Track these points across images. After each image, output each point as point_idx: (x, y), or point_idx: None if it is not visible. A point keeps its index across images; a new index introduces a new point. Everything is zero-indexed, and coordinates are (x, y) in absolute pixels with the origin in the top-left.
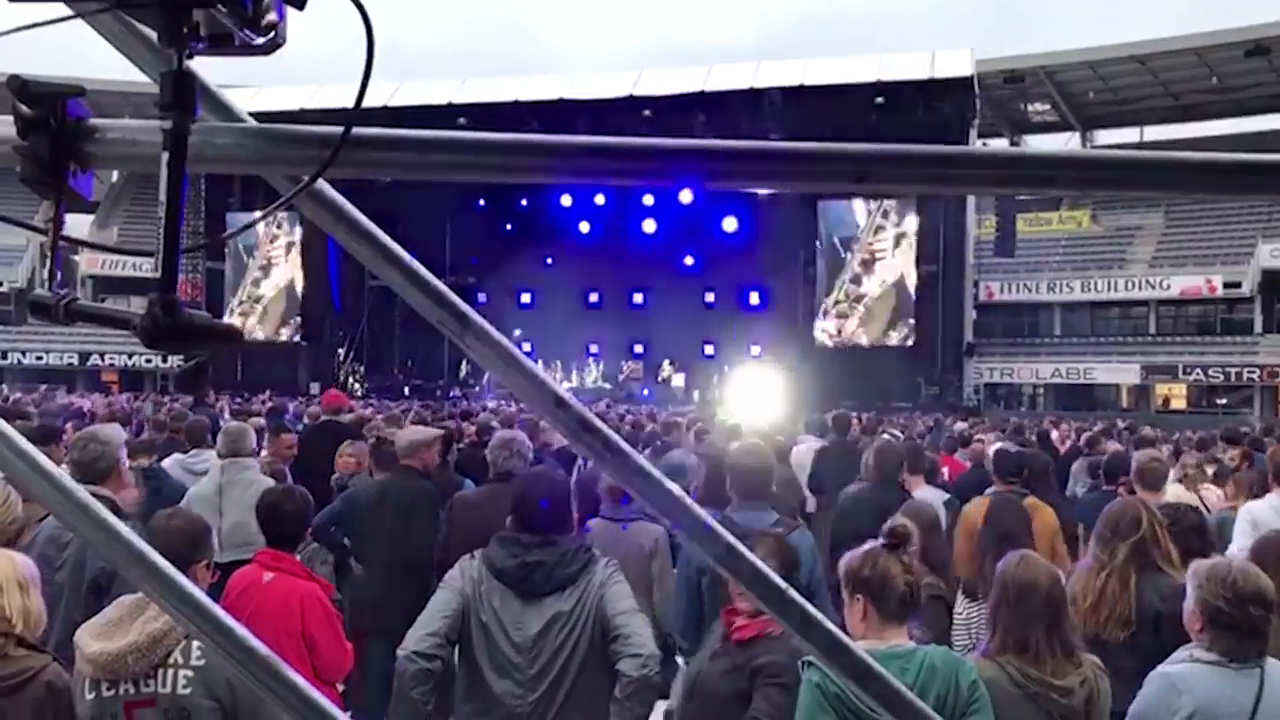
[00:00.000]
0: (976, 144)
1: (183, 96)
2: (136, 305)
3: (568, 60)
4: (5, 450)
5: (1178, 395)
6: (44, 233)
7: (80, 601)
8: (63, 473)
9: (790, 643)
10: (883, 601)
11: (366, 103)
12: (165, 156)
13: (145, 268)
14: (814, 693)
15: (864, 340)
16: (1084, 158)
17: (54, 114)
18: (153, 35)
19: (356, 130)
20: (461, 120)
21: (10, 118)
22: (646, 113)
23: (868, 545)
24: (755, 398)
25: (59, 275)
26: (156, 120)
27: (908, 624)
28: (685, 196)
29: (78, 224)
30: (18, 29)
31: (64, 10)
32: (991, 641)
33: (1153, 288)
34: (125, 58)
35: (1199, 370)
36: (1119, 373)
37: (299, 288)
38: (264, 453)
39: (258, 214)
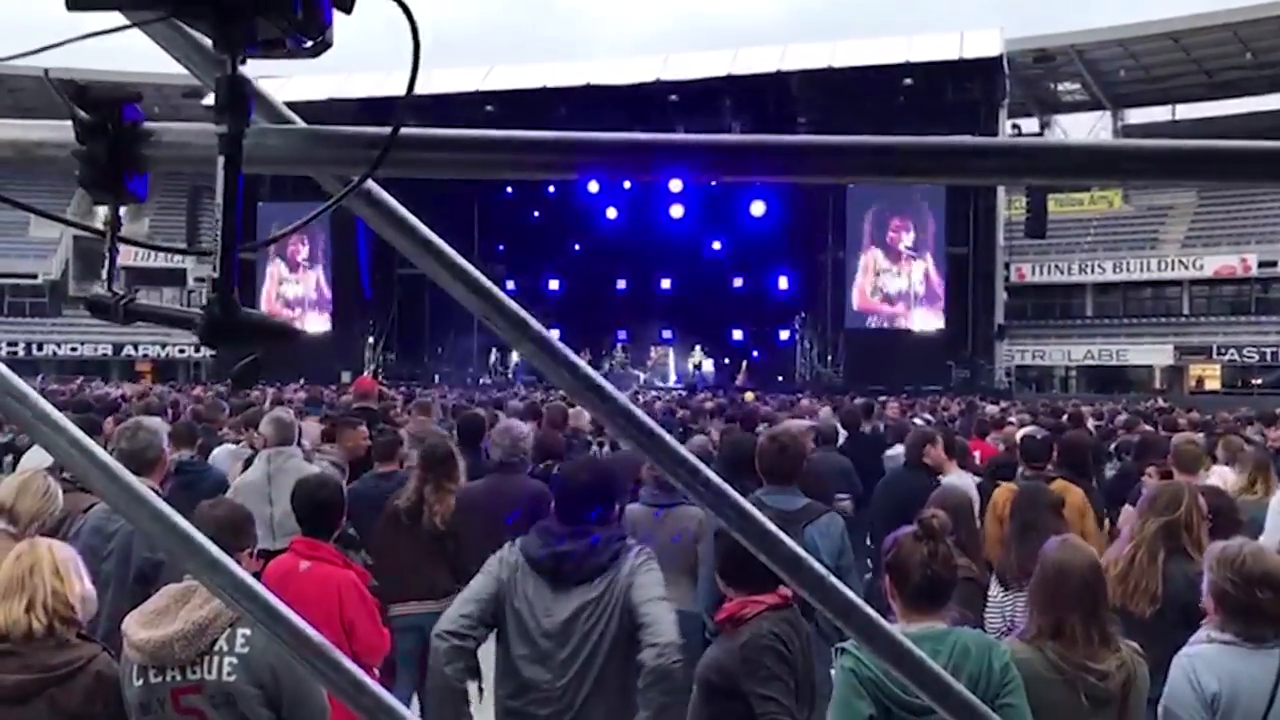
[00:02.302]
0: (1006, 124)
1: (237, 102)
2: (169, 296)
3: (596, 40)
4: (63, 442)
5: (1212, 376)
6: (102, 234)
7: (126, 591)
8: (118, 464)
9: (769, 619)
10: (903, 587)
11: (391, 91)
12: (221, 160)
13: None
14: (849, 678)
15: (894, 324)
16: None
17: (111, 119)
18: (207, 42)
19: (404, 130)
20: (489, 108)
21: (66, 121)
22: (673, 97)
23: (901, 531)
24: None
25: (118, 274)
26: (210, 124)
27: (941, 610)
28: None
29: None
30: (77, 38)
31: (120, 19)
32: (1030, 624)
33: (1186, 268)
34: (180, 63)
35: (1233, 350)
36: (1152, 354)
37: (327, 277)
38: (330, 445)
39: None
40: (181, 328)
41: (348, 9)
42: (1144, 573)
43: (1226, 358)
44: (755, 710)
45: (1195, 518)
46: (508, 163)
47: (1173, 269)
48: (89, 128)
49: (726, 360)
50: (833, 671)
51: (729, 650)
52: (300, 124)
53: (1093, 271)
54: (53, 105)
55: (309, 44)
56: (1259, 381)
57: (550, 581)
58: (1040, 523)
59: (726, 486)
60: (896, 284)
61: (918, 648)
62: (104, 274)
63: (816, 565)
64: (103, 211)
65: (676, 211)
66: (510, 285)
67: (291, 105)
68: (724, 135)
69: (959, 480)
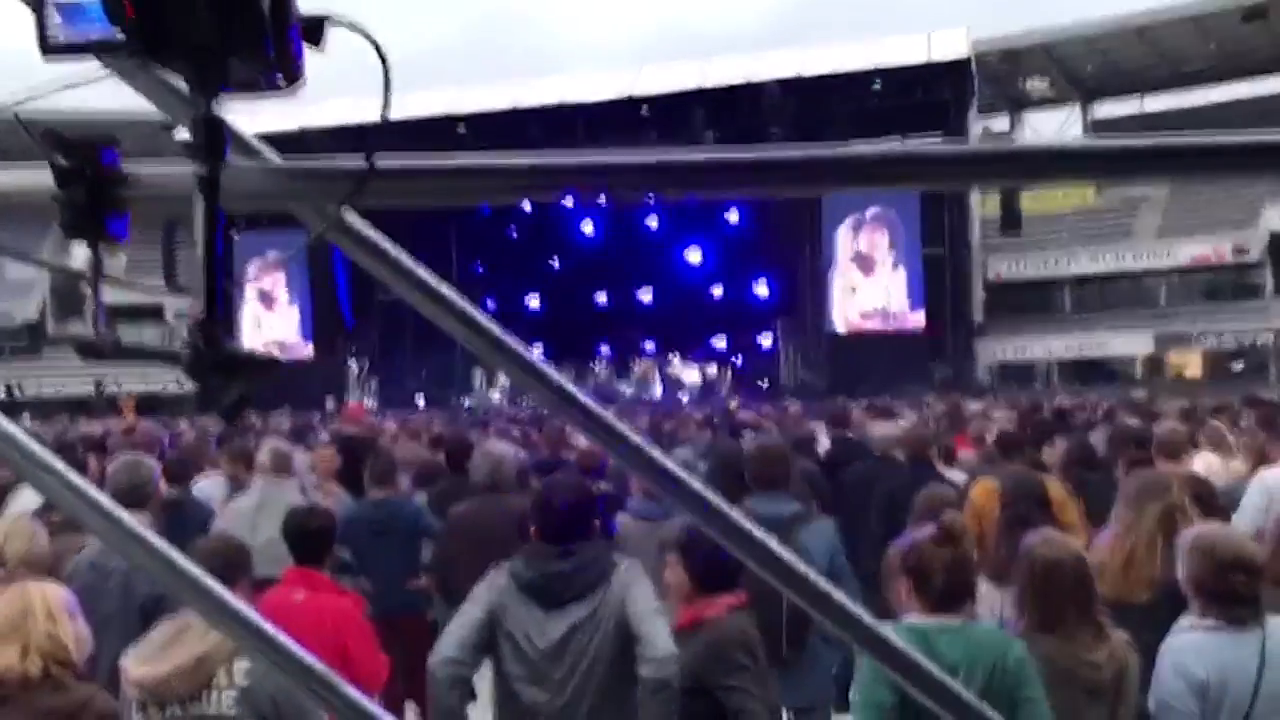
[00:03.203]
0: (977, 124)
1: (213, 142)
2: (149, 333)
3: (568, 52)
4: (54, 483)
5: (1192, 364)
6: (86, 277)
7: (130, 628)
8: (112, 503)
9: (731, 618)
10: (925, 590)
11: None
12: (200, 200)
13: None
14: (872, 664)
15: (874, 325)
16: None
17: (89, 163)
18: (182, 84)
19: (380, 162)
20: (460, 129)
21: (44, 166)
22: (645, 111)
23: (918, 534)
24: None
25: (103, 316)
26: (188, 164)
27: (960, 610)
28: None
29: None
30: (56, 89)
31: (98, 67)
32: (1020, 620)
33: (1161, 257)
34: (156, 106)
35: (1212, 337)
36: (1132, 344)
37: (302, 303)
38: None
39: (268, 238)
40: (168, 363)
41: (319, 45)
42: (1143, 563)
43: (1206, 345)
44: (725, 703)
45: (1185, 500)
46: (488, 189)
47: (1148, 259)
48: (67, 173)
49: (713, 369)
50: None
51: (693, 651)
52: (276, 160)
53: (1069, 265)
54: (25, 144)
55: (282, 81)
56: (1239, 367)
57: (541, 602)
58: (1029, 516)
59: (713, 496)
60: (875, 299)
61: (933, 641)
62: (89, 316)
63: (810, 571)
64: (80, 250)
65: (653, 223)
66: (490, 304)
67: (263, 137)
68: (683, 152)
69: (952, 476)
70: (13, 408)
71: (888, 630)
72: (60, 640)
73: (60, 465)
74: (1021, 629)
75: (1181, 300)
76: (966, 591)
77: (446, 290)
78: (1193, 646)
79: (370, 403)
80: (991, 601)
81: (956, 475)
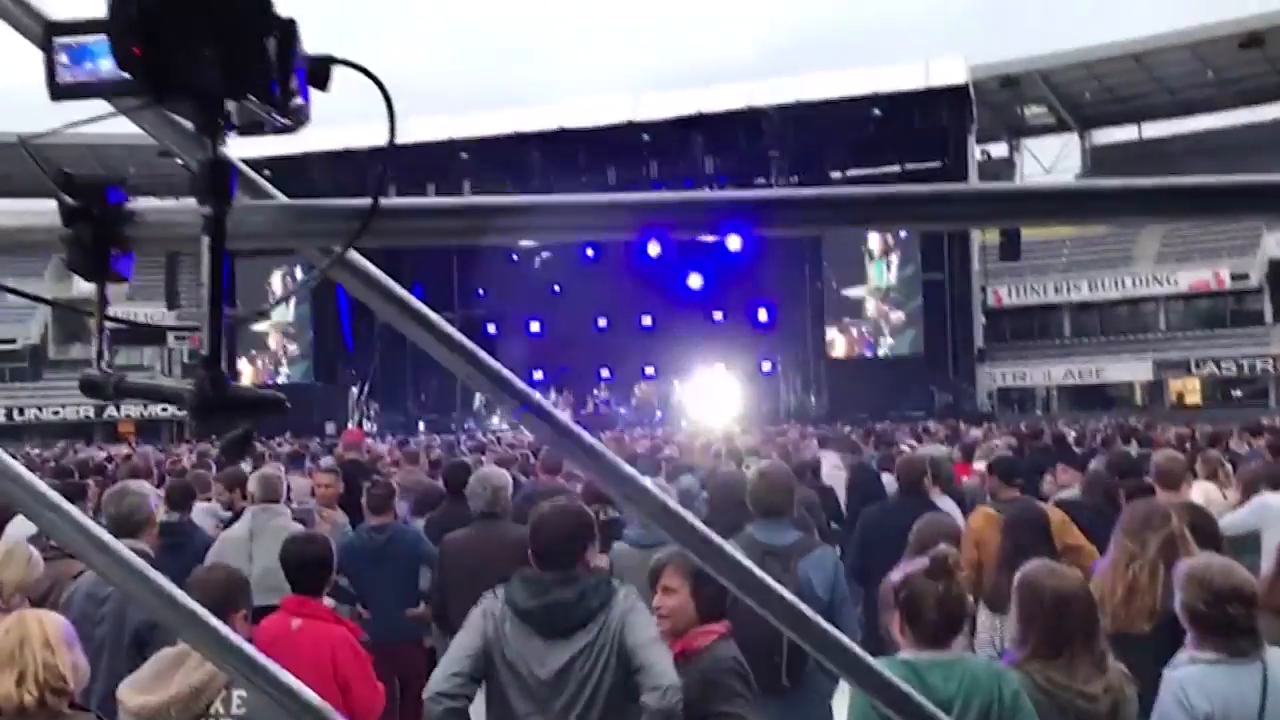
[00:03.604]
0: (975, 150)
1: (219, 183)
2: (149, 355)
3: (565, 86)
4: (43, 509)
5: (1192, 390)
6: (91, 314)
7: (122, 656)
8: (107, 534)
9: (723, 646)
10: (917, 623)
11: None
12: (206, 241)
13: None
14: (865, 703)
15: (875, 350)
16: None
17: (96, 202)
18: (189, 125)
19: (384, 201)
20: (463, 155)
21: (51, 205)
22: (645, 137)
23: (911, 566)
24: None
25: (105, 352)
26: (192, 203)
27: (952, 643)
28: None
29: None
30: (64, 127)
31: (106, 108)
32: (1021, 650)
33: (1160, 283)
34: (162, 145)
35: (1211, 364)
36: (1132, 370)
37: (303, 328)
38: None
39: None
40: (172, 403)
41: (323, 87)
42: (1145, 592)
43: (1205, 371)
44: None
45: (1185, 530)
46: (491, 228)
47: (1147, 285)
48: (74, 212)
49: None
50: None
51: (688, 680)
52: (281, 199)
53: (1069, 292)
54: (28, 174)
55: (287, 122)
56: (1239, 394)
57: (541, 631)
58: (1031, 546)
59: (707, 530)
60: (875, 311)
61: (926, 676)
62: (94, 353)
63: (804, 607)
64: (79, 281)
65: (654, 249)
66: (491, 330)
67: (264, 162)
68: (689, 193)
69: (945, 505)
70: (13, 431)
71: (880, 664)
72: (57, 669)
73: (58, 499)
74: (1021, 658)
75: (1181, 326)
76: (958, 625)
77: (449, 329)
78: (1194, 679)
79: (370, 427)
80: (991, 630)
81: (948, 504)
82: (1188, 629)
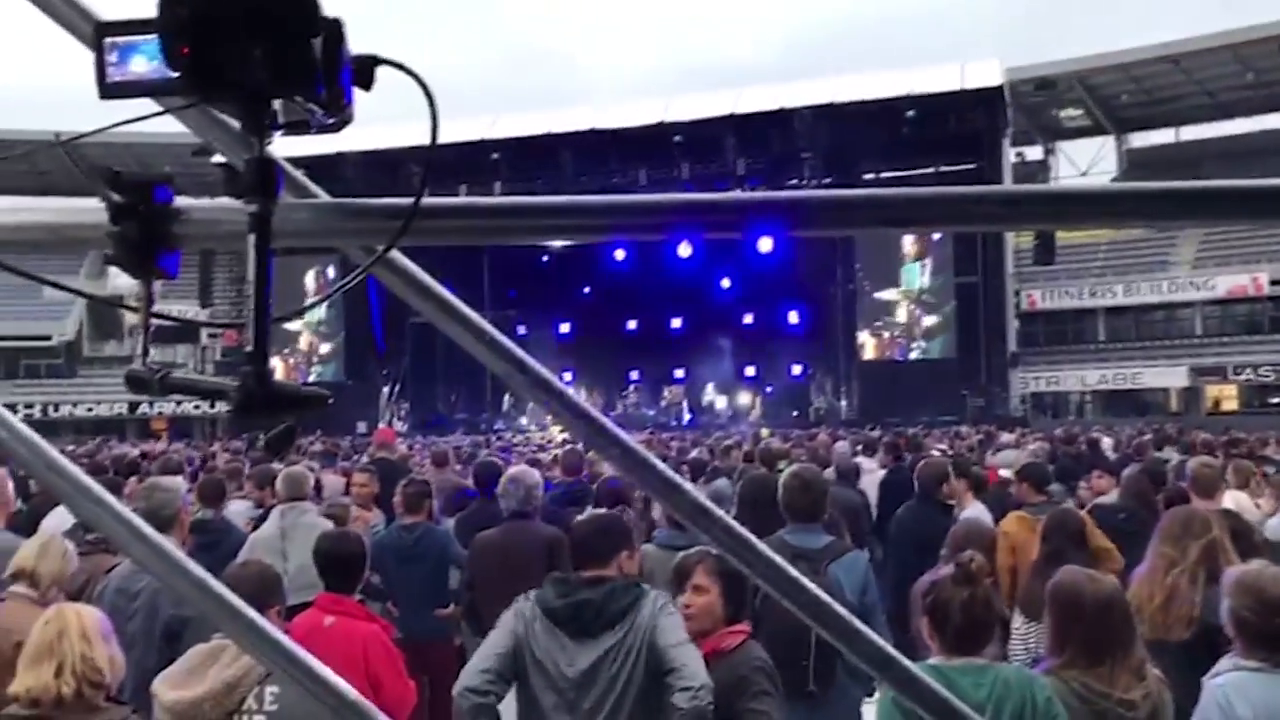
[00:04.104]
0: (1010, 153)
1: (266, 181)
2: (182, 352)
3: (599, 87)
4: (87, 503)
5: (1229, 397)
6: (136, 311)
7: (154, 650)
8: (151, 529)
9: (752, 646)
10: (944, 629)
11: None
12: (252, 239)
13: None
14: (891, 708)
15: (906, 354)
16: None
17: (143, 200)
18: (234, 123)
19: (425, 200)
20: (494, 156)
21: (98, 203)
22: (678, 138)
23: (938, 572)
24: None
25: (134, 333)
26: (238, 201)
27: (981, 649)
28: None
29: (114, 273)
30: (112, 125)
31: (154, 106)
32: (1057, 656)
33: (1197, 288)
34: (209, 144)
35: (1249, 370)
36: (1167, 376)
37: (332, 328)
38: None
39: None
40: (217, 399)
41: (367, 87)
42: (1184, 599)
43: (1242, 377)
44: None
45: (1224, 537)
46: (531, 228)
47: (1184, 290)
48: (121, 209)
49: (744, 397)
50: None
51: (717, 678)
52: (324, 197)
53: (1104, 296)
54: (66, 171)
55: (332, 121)
56: (1277, 400)
57: (571, 631)
58: (1067, 553)
59: (745, 531)
60: (908, 314)
61: (957, 682)
62: (140, 349)
63: (839, 608)
64: (116, 273)
65: (685, 251)
66: (521, 330)
67: (301, 161)
68: (721, 194)
69: (975, 512)
70: (48, 427)
71: (917, 668)
72: (94, 662)
73: (104, 493)
74: (1057, 665)
75: (1218, 332)
76: (986, 631)
77: (489, 328)
78: (1237, 686)
79: (400, 426)
80: (1025, 637)
81: (978, 509)
82: (1234, 637)
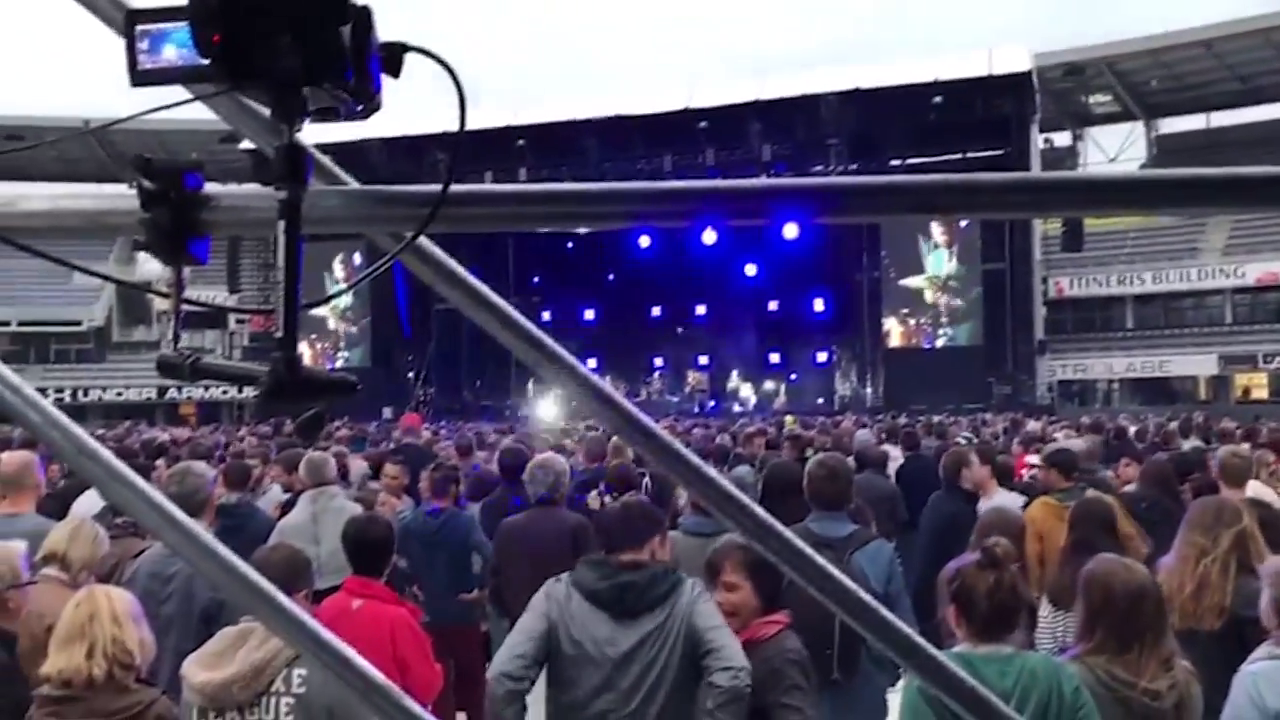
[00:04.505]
0: (1038, 139)
1: (295, 168)
2: (210, 338)
3: (625, 73)
4: (119, 487)
5: (1259, 385)
6: (167, 296)
7: (190, 632)
8: (182, 513)
9: (789, 636)
10: (970, 615)
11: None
12: (281, 225)
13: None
14: (915, 697)
15: (933, 341)
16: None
17: (173, 187)
18: (264, 111)
19: (454, 188)
20: (520, 142)
21: (130, 190)
22: (703, 124)
23: (965, 558)
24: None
25: (163, 319)
26: (267, 187)
27: (1007, 636)
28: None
29: (143, 259)
30: (144, 112)
31: (184, 94)
32: (1086, 644)
33: (1227, 276)
34: (239, 131)
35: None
36: (1196, 364)
37: (358, 313)
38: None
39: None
40: (247, 384)
41: (396, 74)
42: (1216, 588)
43: (1273, 366)
44: None
45: (1257, 530)
46: (559, 215)
47: (1214, 278)
48: (152, 196)
49: (768, 384)
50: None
51: (752, 667)
52: (353, 184)
53: (1132, 283)
54: (97, 159)
55: (360, 108)
56: None
57: (611, 613)
58: (1096, 541)
59: (771, 519)
60: (934, 300)
61: (982, 670)
62: (171, 335)
63: (865, 595)
64: (145, 259)
65: (709, 238)
66: (546, 316)
67: (327, 147)
68: (748, 180)
69: (1002, 500)
70: (77, 412)
71: (944, 657)
72: (125, 644)
73: (136, 478)
74: (1084, 651)
75: (1248, 320)
76: (1012, 618)
77: (516, 315)
78: (1269, 675)
79: (425, 411)
80: (1053, 625)
81: (1007, 497)
82: (1274, 626)
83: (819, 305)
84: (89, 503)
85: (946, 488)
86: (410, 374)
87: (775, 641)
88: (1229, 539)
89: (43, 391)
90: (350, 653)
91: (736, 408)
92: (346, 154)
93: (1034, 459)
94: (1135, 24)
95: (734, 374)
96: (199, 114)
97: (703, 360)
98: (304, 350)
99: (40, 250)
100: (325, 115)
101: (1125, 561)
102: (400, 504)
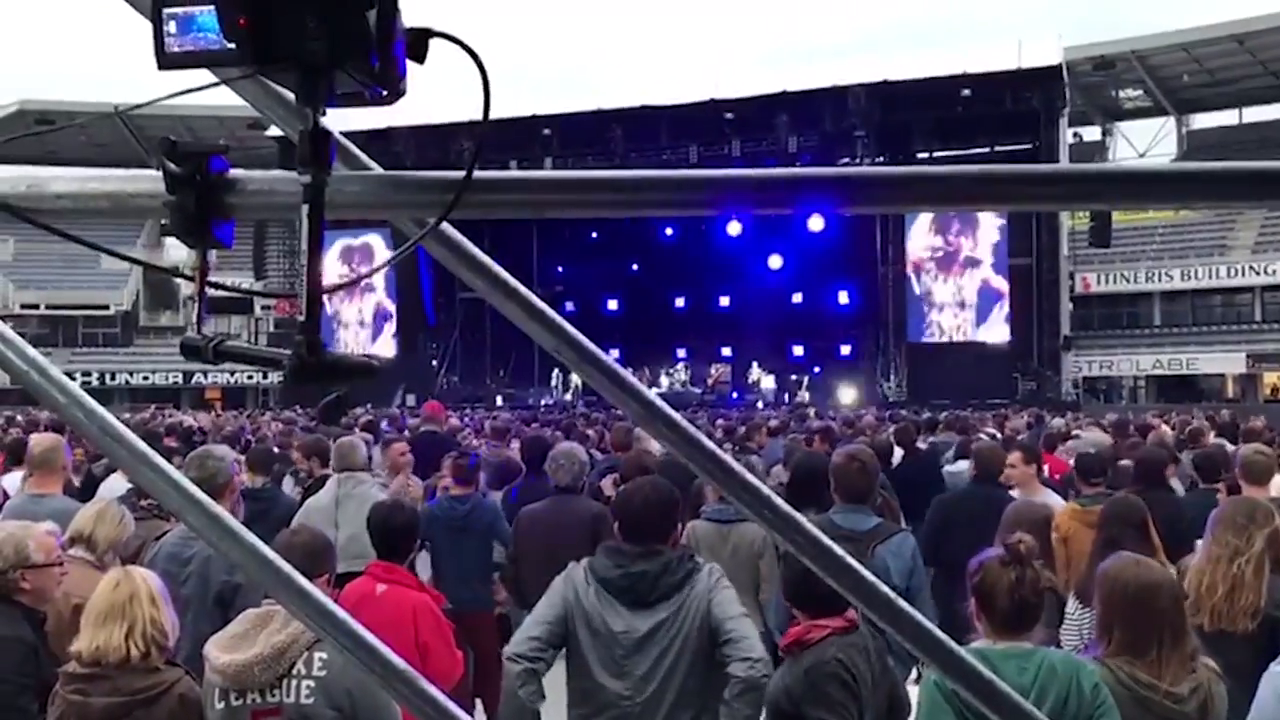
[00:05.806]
0: (1067, 133)
1: (320, 153)
2: (236, 323)
3: (652, 65)
4: (144, 469)
5: None
6: (192, 279)
7: (207, 614)
8: (206, 497)
9: (834, 644)
10: (991, 610)
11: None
12: (305, 209)
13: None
14: (933, 690)
15: (958, 336)
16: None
17: (199, 170)
18: (289, 95)
19: (477, 174)
20: (545, 131)
21: (156, 173)
22: (729, 115)
23: (988, 553)
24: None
25: (187, 304)
26: (292, 172)
27: (1028, 632)
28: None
29: (172, 244)
30: (169, 96)
31: (210, 77)
32: (1106, 644)
33: (1257, 273)
34: (264, 116)
35: None
36: (1223, 362)
37: (385, 301)
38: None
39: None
40: (270, 367)
41: (421, 60)
42: (1250, 588)
43: None
44: None
45: None
46: (584, 202)
47: (1243, 275)
48: (178, 179)
49: (793, 377)
50: (916, 684)
51: (795, 674)
52: (377, 170)
53: (1160, 279)
54: (124, 143)
55: (385, 94)
56: None
57: (626, 601)
58: (1124, 540)
59: (792, 511)
60: (953, 296)
61: (1002, 666)
62: (195, 318)
63: (884, 588)
64: (172, 244)
65: (734, 229)
66: (569, 306)
67: (353, 135)
68: (774, 170)
69: (1037, 495)
70: (104, 395)
71: (963, 651)
72: (161, 625)
73: (163, 462)
74: (1104, 652)
75: (1277, 318)
76: (1033, 614)
77: (539, 303)
78: None
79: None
80: (1080, 621)
81: (1045, 495)
82: None
83: (843, 298)
84: (116, 483)
85: (979, 480)
86: (434, 361)
87: (818, 649)
88: (1262, 539)
89: (70, 375)
90: (369, 636)
91: (761, 405)
92: (372, 141)
93: (1063, 455)
94: (1166, 18)
95: (755, 366)
96: (227, 99)
97: (725, 352)
98: (342, 338)
99: (68, 232)
100: (350, 100)
101: (1140, 559)
102: (415, 488)
